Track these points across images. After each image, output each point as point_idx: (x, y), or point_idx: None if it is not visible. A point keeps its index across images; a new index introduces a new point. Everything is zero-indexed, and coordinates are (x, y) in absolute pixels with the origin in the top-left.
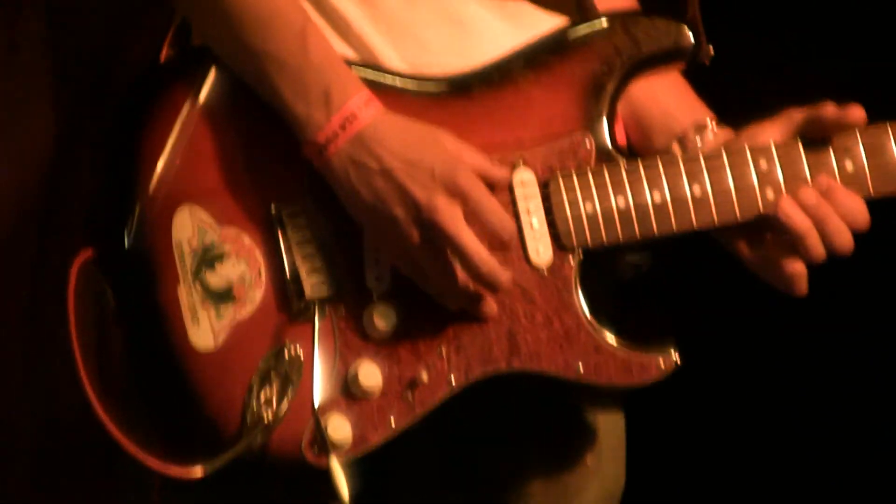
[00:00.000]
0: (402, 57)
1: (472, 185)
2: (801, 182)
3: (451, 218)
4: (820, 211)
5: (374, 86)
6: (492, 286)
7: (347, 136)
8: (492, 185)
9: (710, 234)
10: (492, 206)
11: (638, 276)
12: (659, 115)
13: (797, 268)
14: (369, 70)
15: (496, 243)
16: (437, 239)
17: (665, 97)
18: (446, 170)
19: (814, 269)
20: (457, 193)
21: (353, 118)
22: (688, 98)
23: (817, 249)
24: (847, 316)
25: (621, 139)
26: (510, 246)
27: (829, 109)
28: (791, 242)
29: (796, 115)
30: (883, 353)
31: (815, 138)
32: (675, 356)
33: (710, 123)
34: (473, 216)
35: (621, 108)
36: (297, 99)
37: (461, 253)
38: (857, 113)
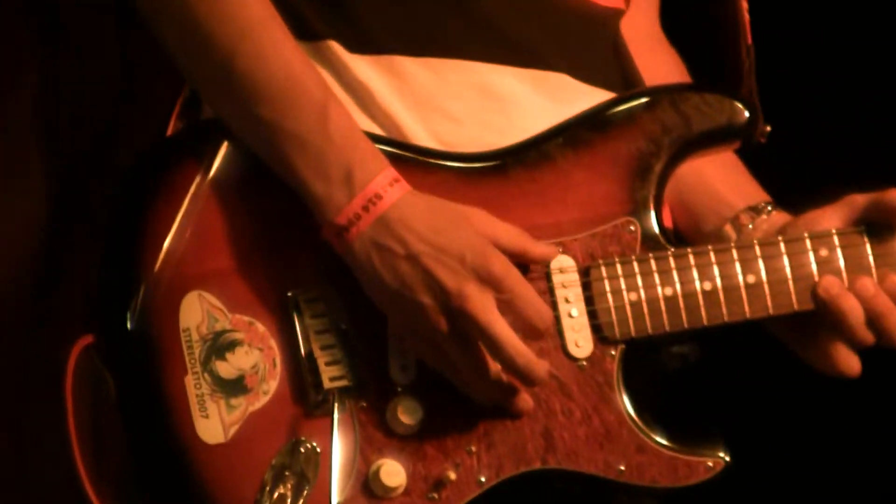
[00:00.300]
0: (430, 132)
1: (505, 272)
2: (864, 272)
3: (483, 307)
4: (877, 302)
5: (399, 161)
6: (528, 379)
7: (371, 218)
8: (531, 267)
9: (763, 323)
10: (527, 294)
11: (685, 367)
12: (709, 198)
13: (847, 355)
14: (394, 146)
15: (532, 334)
16: (467, 329)
17: (715, 178)
18: (477, 255)
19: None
20: (489, 281)
21: (377, 199)
22: (741, 179)
23: (864, 336)
24: None
25: (667, 222)
26: (546, 336)
27: (895, 195)
28: (839, 329)
29: (859, 201)
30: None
31: (881, 226)
32: (724, 456)
33: (766, 207)
34: (507, 305)
35: (667, 188)
36: (317, 178)
37: (494, 344)
38: None
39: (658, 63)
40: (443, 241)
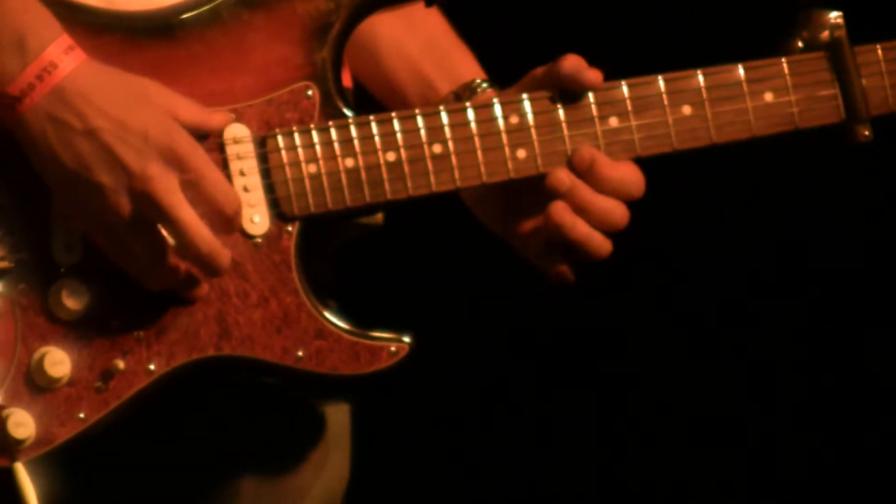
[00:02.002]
0: None
1: (191, 151)
2: (557, 140)
3: (167, 189)
4: (578, 196)
5: (64, 24)
6: (210, 269)
7: (45, 88)
8: (207, 137)
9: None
10: (214, 176)
11: (368, 238)
12: (415, 81)
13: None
14: (60, 6)
15: (218, 221)
16: (148, 212)
17: (424, 61)
18: (161, 133)
19: None
20: (173, 161)
21: (52, 67)
22: (454, 60)
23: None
24: None
25: (347, 82)
26: (235, 226)
27: (567, 64)
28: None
29: (539, 72)
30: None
31: (570, 93)
32: (408, 340)
33: (481, 84)
34: (192, 187)
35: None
36: None
37: (177, 229)
38: (591, 74)
39: None
40: (124, 116)
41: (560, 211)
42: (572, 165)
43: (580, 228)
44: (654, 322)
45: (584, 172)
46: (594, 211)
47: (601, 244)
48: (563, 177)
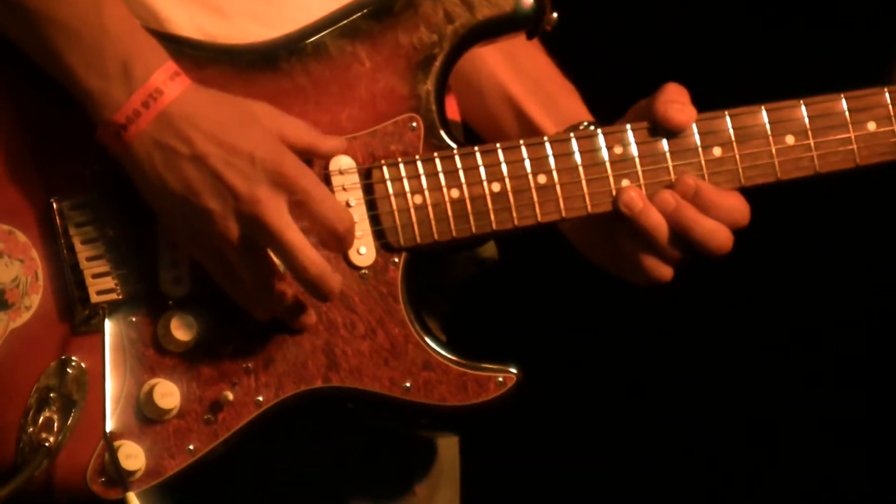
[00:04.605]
0: (192, 24)
1: (299, 172)
2: (661, 171)
3: (276, 212)
4: (681, 215)
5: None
6: (320, 292)
7: (152, 114)
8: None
9: (560, 228)
10: (324, 195)
11: (482, 274)
12: (517, 120)
13: (657, 265)
14: (162, 38)
15: (332, 240)
16: (257, 236)
17: (529, 102)
18: (268, 154)
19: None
20: (281, 183)
21: (157, 94)
22: (559, 100)
23: (673, 253)
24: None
25: (452, 114)
26: (348, 244)
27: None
28: (647, 244)
29: (642, 105)
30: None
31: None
32: (515, 372)
33: (589, 128)
34: (301, 209)
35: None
36: (91, 72)
37: (287, 252)
38: (679, 116)
39: None
40: (231, 139)
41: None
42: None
43: (653, 217)
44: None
45: (689, 200)
46: (698, 230)
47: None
48: (668, 196)
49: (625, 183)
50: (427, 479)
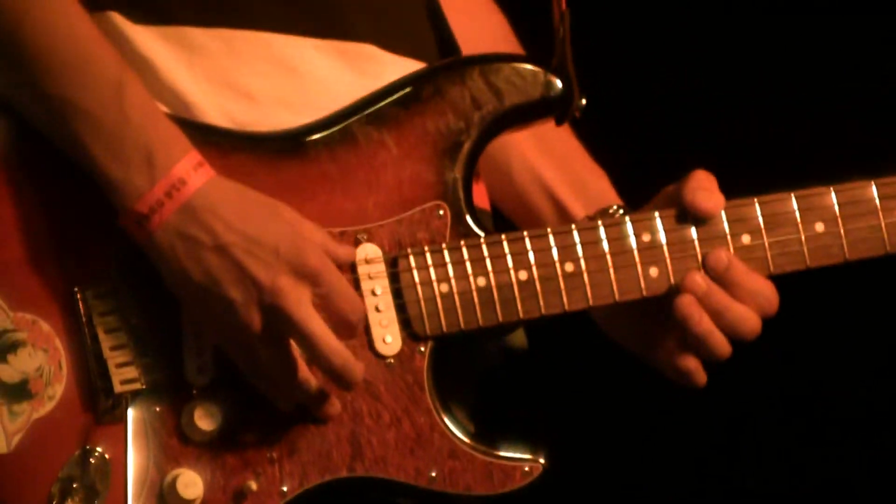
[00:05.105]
0: (221, 110)
1: (322, 265)
2: (690, 258)
3: (298, 302)
4: (714, 300)
5: (193, 143)
6: (343, 381)
7: (175, 205)
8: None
9: (590, 315)
10: (343, 287)
11: (506, 362)
12: (548, 204)
13: (691, 361)
14: (187, 126)
15: (343, 329)
16: (280, 326)
17: (558, 184)
18: (292, 247)
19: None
20: (305, 274)
21: (181, 184)
22: (588, 184)
23: (721, 349)
24: None
25: (481, 201)
26: (356, 331)
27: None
28: (687, 340)
29: (670, 190)
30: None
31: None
32: (542, 460)
33: (617, 211)
34: (322, 300)
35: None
36: (113, 160)
37: (309, 342)
38: (707, 203)
39: (479, 29)
40: (254, 230)
41: (688, 304)
42: (708, 269)
43: (706, 324)
44: None
45: (720, 276)
46: (728, 316)
47: (721, 343)
48: (698, 279)
49: (653, 271)
50: None
